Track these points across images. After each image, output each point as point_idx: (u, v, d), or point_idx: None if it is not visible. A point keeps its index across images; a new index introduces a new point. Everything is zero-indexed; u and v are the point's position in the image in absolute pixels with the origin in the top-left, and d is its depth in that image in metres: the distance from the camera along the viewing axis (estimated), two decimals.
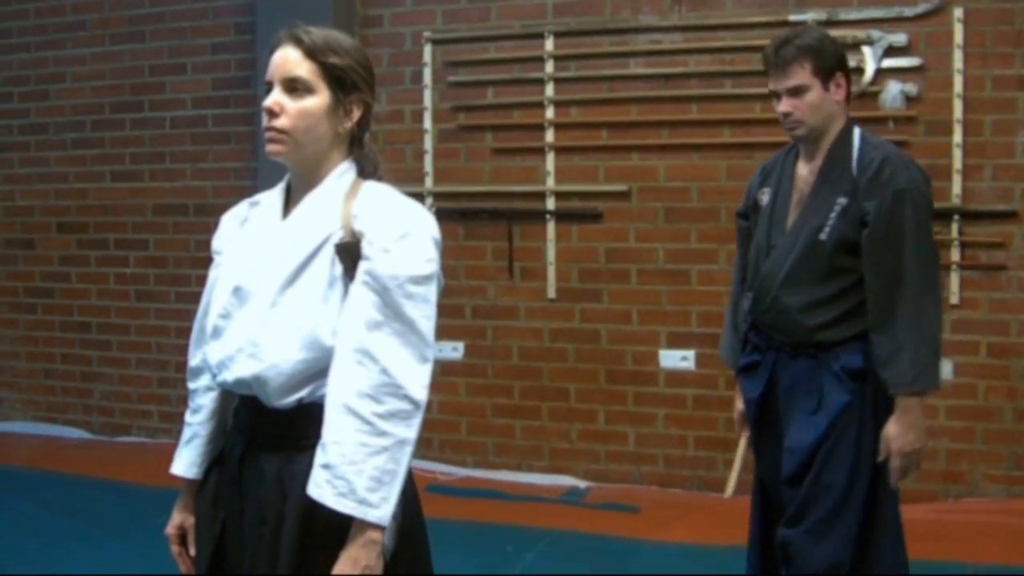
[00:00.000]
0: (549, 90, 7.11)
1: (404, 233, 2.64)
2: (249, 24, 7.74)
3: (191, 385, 3.03)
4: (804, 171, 4.08)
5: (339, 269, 2.67)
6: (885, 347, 3.84)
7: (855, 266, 3.92)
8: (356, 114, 2.80)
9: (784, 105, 3.99)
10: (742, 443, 5.54)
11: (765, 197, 4.20)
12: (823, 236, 3.93)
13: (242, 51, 7.85)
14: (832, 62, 3.97)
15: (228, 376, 2.75)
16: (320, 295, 2.67)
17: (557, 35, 7.08)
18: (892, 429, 3.87)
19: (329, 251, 2.68)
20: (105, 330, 8.48)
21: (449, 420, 7.33)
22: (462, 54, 7.31)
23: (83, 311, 8.54)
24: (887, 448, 3.88)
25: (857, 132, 4.04)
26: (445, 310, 7.38)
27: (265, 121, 2.72)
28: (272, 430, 2.75)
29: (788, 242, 4.03)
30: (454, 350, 7.30)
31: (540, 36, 7.11)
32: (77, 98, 8.45)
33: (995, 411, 6.43)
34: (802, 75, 3.94)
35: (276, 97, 2.71)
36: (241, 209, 2.99)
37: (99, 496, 6.92)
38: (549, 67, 7.11)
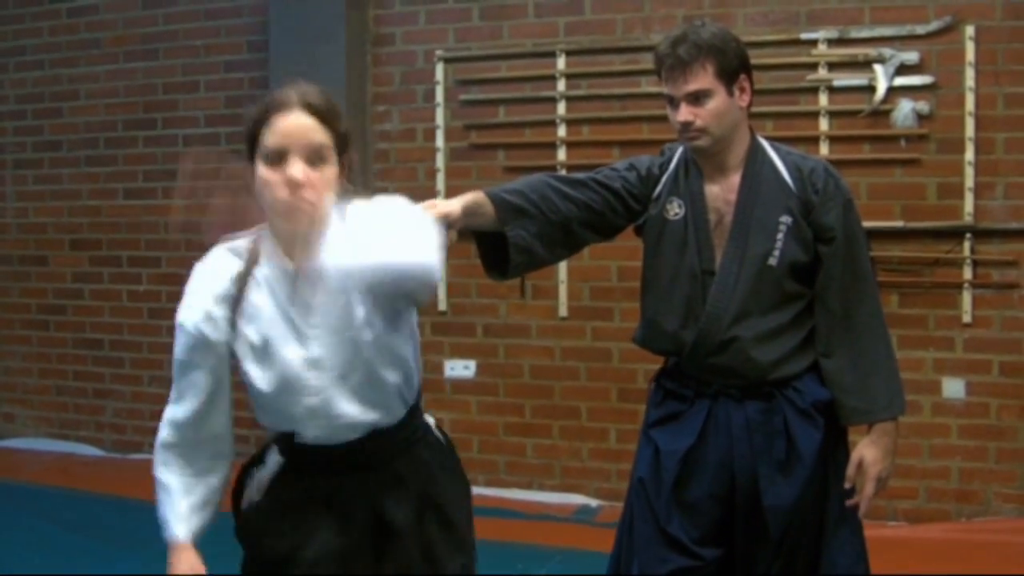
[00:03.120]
0: (561, 108, 7.13)
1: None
2: (262, 42, 7.75)
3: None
4: (715, 190, 3.60)
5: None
6: (848, 372, 3.55)
7: (803, 290, 3.58)
8: (346, 171, 2.79)
9: (683, 114, 3.47)
10: None
11: (678, 211, 3.63)
12: (772, 262, 3.50)
13: (255, 69, 7.86)
14: (736, 63, 3.50)
15: (340, 439, 2.83)
16: (390, 327, 2.79)
17: (569, 54, 7.10)
18: (870, 454, 3.55)
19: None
20: (117, 347, 8.50)
21: (461, 438, 7.22)
22: (474, 72, 7.32)
23: (96, 328, 8.56)
24: (865, 474, 3.55)
25: (766, 141, 3.66)
26: (457, 328, 7.45)
27: (285, 194, 2.62)
28: (382, 446, 2.88)
29: (729, 272, 3.55)
30: (466, 368, 7.29)
31: (552, 55, 7.13)
32: (91, 115, 8.48)
33: (1008, 430, 6.40)
34: (704, 78, 3.44)
35: (305, 170, 2.64)
36: (221, 289, 2.84)
37: (111, 513, 6.92)
38: (561, 85, 7.13)
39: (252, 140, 2.70)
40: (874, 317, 3.60)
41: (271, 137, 2.66)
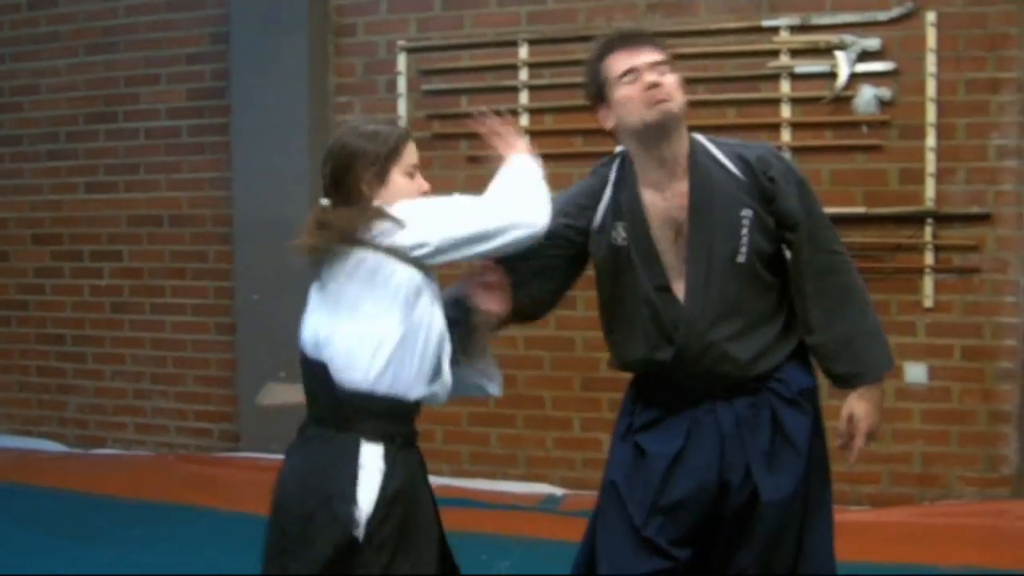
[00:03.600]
0: (524, 98, 7.13)
1: None
2: (223, 34, 7.74)
3: None
4: (662, 200, 3.51)
5: None
6: (834, 344, 3.55)
7: (773, 280, 3.56)
8: None
9: (651, 75, 3.39)
10: None
11: (624, 234, 3.55)
12: (741, 259, 3.45)
13: (217, 61, 7.83)
14: (668, 56, 3.48)
15: None
16: None
17: (531, 43, 7.10)
18: (861, 409, 3.56)
19: None
20: (80, 342, 8.45)
21: (424, 428, 7.08)
22: (436, 62, 7.31)
23: (58, 323, 8.51)
24: (856, 428, 3.57)
25: (701, 136, 3.59)
26: None
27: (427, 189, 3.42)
28: None
29: (698, 278, 3.47)
30: None
31: (514, 44, 7.13)
32: (51, 109, 8.43)
33: (970, 414, 6.44)
34: (658, 53, 3.43)
35: None
36: None
37: (74, 509, 6.87)
38: (523, 75, 7.13)
39: (389, 158, 3.35)
40: (850, 285, 3.59)
41: (411, 156, 3.40)
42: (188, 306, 8.05)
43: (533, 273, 3.62)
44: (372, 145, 3.31)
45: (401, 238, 3.17)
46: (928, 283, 6.42)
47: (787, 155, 5.94)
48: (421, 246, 3.18)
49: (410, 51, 7.36)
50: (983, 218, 6.34)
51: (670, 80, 3.41)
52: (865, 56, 6.44)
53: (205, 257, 8.00)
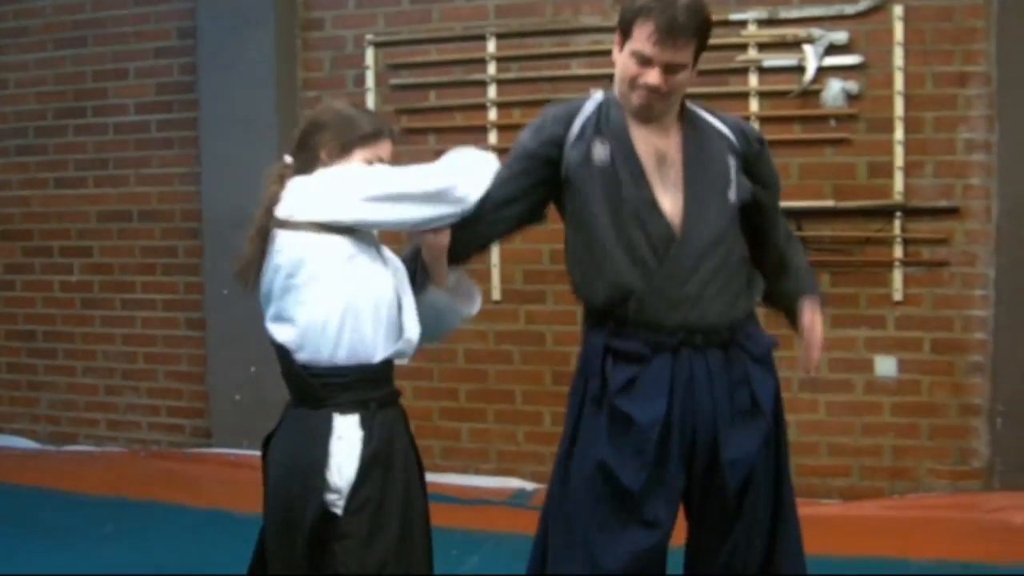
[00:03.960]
0: (492, 92, 7.11)
1: None
2: (191, 28, 7.71)
3: None
4: (646, 133, 3.46)
5: None
6: (795, 284, 3.75)
7: (741, 234, 3.58)
8: None
9: (655, 77, 3.32)
10: None
11: (603, 156, 3.44)
12: (732, 196, 3.49)
13: (185, 55, 7.80)
14: (706, 44, 3.42)
15: None
16: None
17: (499, 37, 7.08)
18: (817, 319, 3.70)
19: None
20: (51, 338, 8.42)
21: None
22: (404, 57, 7.29)
23: (28, 319, 8.47)
24: (813, 339, 3.68)
25: (692, 104, 3.59)
26: None
27: None
28: None
29: (694, 201, 3.44)
30: None
31: (482, 38, 7.11)
32: (20, 105, 8.38)
33: (939, 407, 6.45)
34: (687, 52, 3.33)
35: None
36: None
37: (46, 506, 6.86)
38: (491, 69, 7.11)
39: (362, 139, 3.43)
40: (794, 237, 3.95)
41: (382, 150, 3.48)
42: (158, 301, 8.03)
43: (502, 199, 3.54)
44: (354, 119, 3.44)
45: (314, 211, 3.22)
46: (897, 276, 6.42)
47: None
48: (336, 213, 3.22)
49: (378, 45, 7.33)
50: (951, 211, 6.35)
51: (673, 81, 3.36)
52: (833, 50, 6.44)
53: (175, 252, 7.97)
